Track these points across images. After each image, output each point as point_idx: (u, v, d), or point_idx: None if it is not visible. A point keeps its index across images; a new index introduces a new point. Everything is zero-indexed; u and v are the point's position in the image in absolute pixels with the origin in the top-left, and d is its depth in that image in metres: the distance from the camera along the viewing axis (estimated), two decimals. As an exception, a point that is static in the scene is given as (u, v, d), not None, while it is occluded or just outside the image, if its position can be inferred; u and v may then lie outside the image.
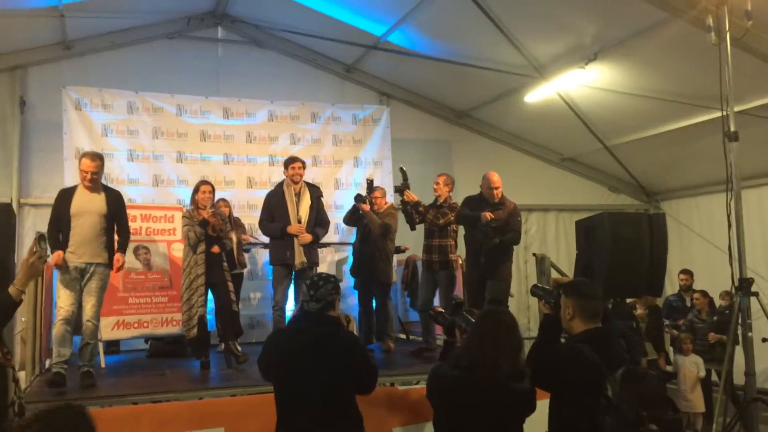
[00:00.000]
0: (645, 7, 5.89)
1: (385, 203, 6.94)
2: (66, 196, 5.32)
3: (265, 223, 6.50)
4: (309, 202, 6.35)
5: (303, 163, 6.43)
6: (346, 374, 3.27)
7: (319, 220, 6.43)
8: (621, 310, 5.66)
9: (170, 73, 8.55)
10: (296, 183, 6.36)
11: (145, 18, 8.39)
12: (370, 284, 6.82)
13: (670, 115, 7.84)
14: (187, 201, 7.33)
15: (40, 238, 3.43)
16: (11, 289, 3.19)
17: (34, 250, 3.27)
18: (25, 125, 8.02)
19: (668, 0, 5.73)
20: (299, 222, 6.26)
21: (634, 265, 5.42)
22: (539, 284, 3.87)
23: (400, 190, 6.59)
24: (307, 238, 6.22)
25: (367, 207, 6.58)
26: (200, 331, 5.80)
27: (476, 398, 2.85)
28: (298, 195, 6.36)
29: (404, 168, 6.66)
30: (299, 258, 6.19)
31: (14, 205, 7.42)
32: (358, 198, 6.66)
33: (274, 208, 6.37)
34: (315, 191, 6.53)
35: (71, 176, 6.36)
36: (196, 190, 6.08)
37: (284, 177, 6.48)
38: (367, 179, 6.89)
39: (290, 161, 6.46)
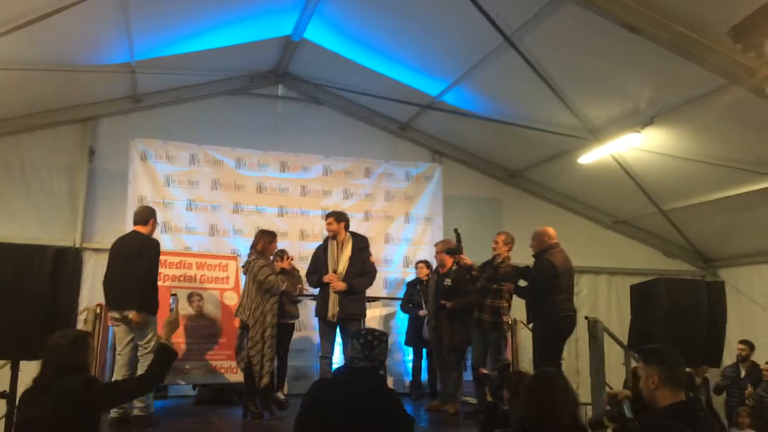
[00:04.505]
0: (703, 74, 5.86)
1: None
2: None
3: (308, 275, 6.63)
4: (349, 253, 6.40)
5: (335, 217, 6.51)
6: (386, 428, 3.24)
7: (362, 271, 6.41)
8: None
9: (231, 128, 8.87)
10: (332, 237, 6.45)
11: (210, 75, 8.77)
12: (448, 349, 6.72)
13: (728, 182, 7.69)
14: (242, 251, 7.57)
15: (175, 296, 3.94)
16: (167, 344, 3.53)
17: (172, 308, 3.69)
18: (92, 173, 8.38)
19: (727, 67, 5.69)
20: (335, 272, 6.31)
21: (691, 334, 5.24)
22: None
23: (453, 251, 6.56)
24: (339, 286, 6.23)
25: (465, 257, 6.50)
26: (271, 381, 5.98)
27: None
28: (341, 246, 6.44)
29: (458, 230, 6.63)
30: (332, 310, 6.21)
31: (77, 250, 7.70)
32: (455, 251, 6.51)
33: (318, 259, 6.50)
34: (358, 242, 6.54)
35: (132, 224, 6.60)
36: (270, 241, 6.23)
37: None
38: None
39: (326, 217, 6.63)
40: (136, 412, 5.58)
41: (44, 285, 4.10)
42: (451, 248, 6.61)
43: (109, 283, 5.76)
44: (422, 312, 7.36)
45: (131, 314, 5.53)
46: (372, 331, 3.58)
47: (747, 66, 5.45)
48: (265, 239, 6.22)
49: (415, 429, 3.47)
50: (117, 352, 5.81)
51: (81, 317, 6.15)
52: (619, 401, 3.22)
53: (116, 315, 5.67)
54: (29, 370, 3.92)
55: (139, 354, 5.66)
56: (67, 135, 8.42)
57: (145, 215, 5.95)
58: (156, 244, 5.87)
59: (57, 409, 3.08)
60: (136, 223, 5.94)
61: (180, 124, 8.71)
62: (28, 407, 3.18)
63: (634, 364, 5.00)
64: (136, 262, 5.61)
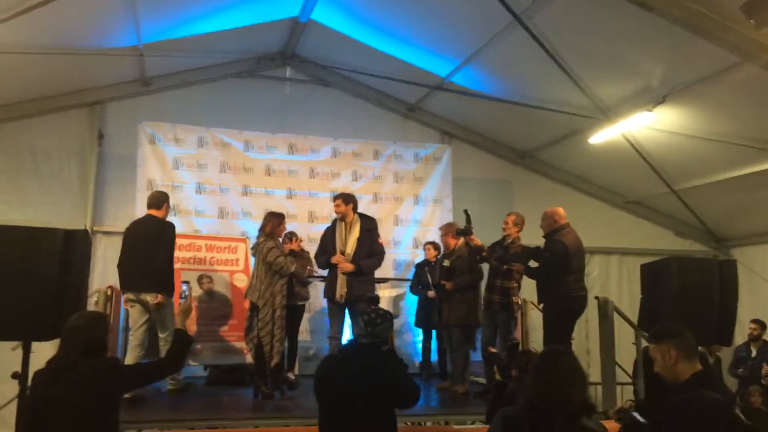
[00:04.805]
0: (716, 51, 5.78)
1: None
2: None
3: (316, 257, 6.64)
4: (357, 234, 6.37)
5: (343, 198, 6.46)
6: (388, 403, 3.38)
7: (370, 252, 6.38)
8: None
9: (239, 110, 8.85)
10: (341, 219, 6.43)
11: (218, 58, 8.74)
12: (450, 327, 6.73)
13: (741, 160, 7.60)
14: (251, 233, 7.59)
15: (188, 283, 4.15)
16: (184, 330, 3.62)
17: (185, 295, 3.92)
18: (102, 157, 8.40)
19: (740, 45, 5.61)
20: (342, 254, 6.30)
21: (702, 313, 5.22)
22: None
23: (463, 233, 6.54)
24: (347, 267, 6.21)
25: (475, 237, 6.49)
26: (281, 361, 6.03)
27: None
28: (349, 228, 6.42)
29: (468, 211, 6.60)
30: (340, 291, 6.20)
31: (88, 233, 7.75)
32: (465, 232, 6.50)
33: (326, 241, 6.50)
34: (366, 223, 6.50)
35: (142, 207, 6.64)
36: (279, 223, 6.27)
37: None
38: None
39: (334, 199, 6.61)
40: (170, 387, 6.02)
41: (54, 267, 4.13)
42: (461, 229, 6.59)
43: (124, 266, 5.84)
44: (431, 293, 7.37)
45: (151, 297, 5.71)
46: (377, 309, 3.68)
47: (760, 43, 5.37)
48: (273, 221, 6.24)
49: (420, 398, 3.57)
50: (130, 333, 5.93)
51: (92, 299, 6.22)
52: (626, 411, 3.24)
53: (131, 296, 5.77)
54: (39, 351, 3.98)
55: (160, 344, 5.90)
56: (76, 119, 8.43)
57: (159, 199, 6.11)
58: (172, 227, 6.00)
59: (81, 389, 3.09)
60: (150, 207, 6.08)
61: (188, 107, 8.69)
62: (48, 388, 3.15)
63: (644, 343, 4.99)
64: (153, 245, 5.76)
